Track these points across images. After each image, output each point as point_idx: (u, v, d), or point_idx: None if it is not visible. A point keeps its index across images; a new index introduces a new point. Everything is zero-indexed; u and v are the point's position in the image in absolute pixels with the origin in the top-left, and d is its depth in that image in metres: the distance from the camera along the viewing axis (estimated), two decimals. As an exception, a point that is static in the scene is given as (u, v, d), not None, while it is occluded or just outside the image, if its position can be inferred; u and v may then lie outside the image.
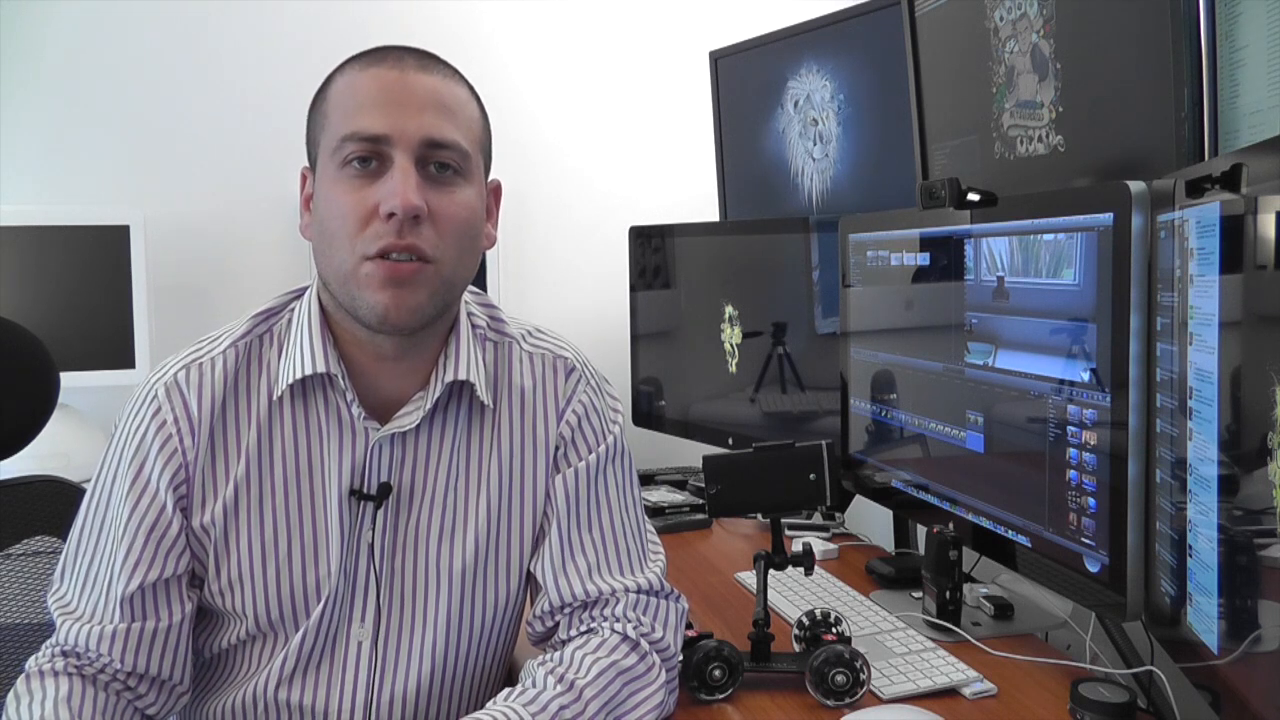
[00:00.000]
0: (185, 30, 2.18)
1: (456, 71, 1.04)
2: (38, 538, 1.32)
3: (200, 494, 1.03)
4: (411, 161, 0.96)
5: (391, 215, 0.95)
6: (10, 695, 0.99)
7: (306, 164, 1.04)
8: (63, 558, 1.05)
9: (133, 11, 2.15)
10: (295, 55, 2.22)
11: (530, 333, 1.15)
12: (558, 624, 1.09)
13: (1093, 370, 1.11)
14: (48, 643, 1.02)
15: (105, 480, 1.04)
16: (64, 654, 1.00)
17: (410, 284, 0.97)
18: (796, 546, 1.29)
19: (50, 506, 1.32)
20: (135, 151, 2.16)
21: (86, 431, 1.95)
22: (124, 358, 1.98)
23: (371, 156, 0.97)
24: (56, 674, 0.98)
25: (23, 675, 1.00)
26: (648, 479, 2.12)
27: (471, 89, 1.05)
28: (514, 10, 2.39)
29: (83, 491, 1.30)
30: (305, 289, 1.10)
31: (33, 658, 1.01)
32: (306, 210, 1.04)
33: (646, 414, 2.23)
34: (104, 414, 1.98)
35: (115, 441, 1.05)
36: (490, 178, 1.09)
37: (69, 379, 1.41)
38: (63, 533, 1.31)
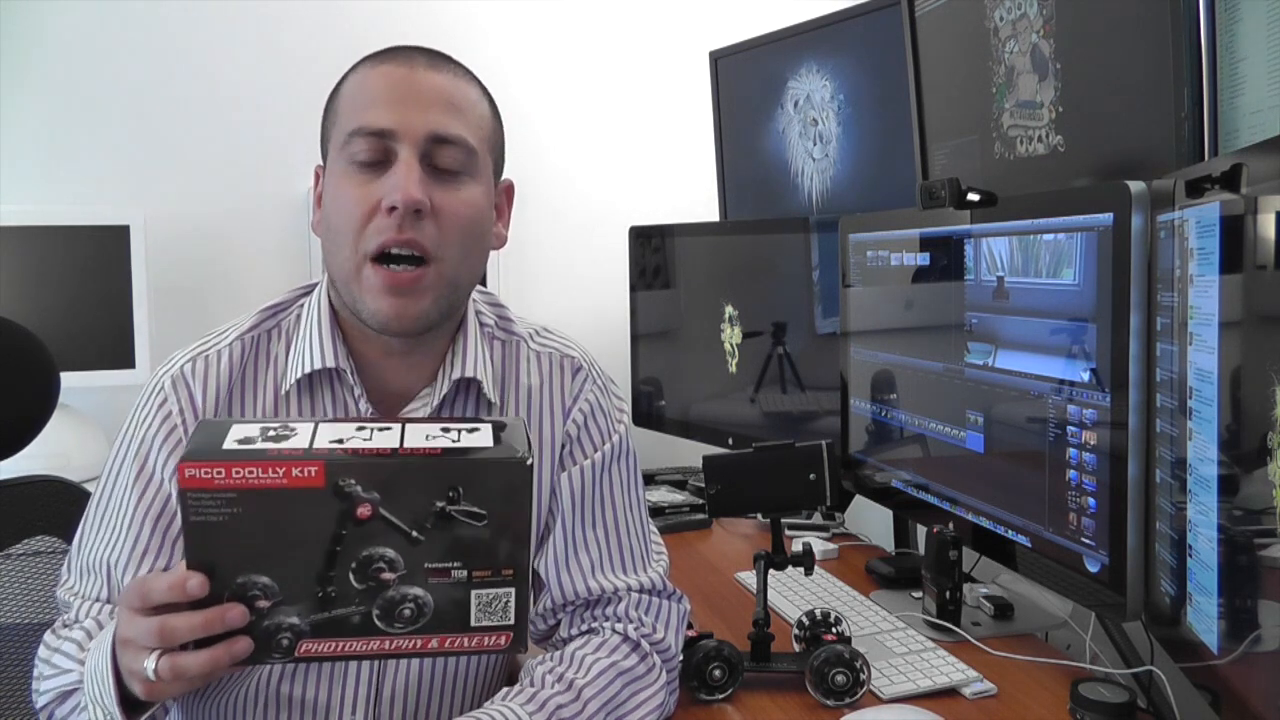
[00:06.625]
0: (185, 31, 2.18)
1: (469, 72, 1.04)
2: (38, 538, 1.32)
3: None
4: (416, 156, 0.96)
5: (393, 209, 0.95)
6: (37, 659, 1.00)
7: (320, 162, 1.05)
8: (71, 551, 1.06)
9: (133, 11, 2.15)
10: (295, 56, 2.22)
11: (538, 332, 1.16)
12: (559, 622, 1.09)
13: (1092, 370, 1.11)
14: (61, 619, 1.03)
15: (112, 472, 1.04)
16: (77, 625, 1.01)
17: (412, 292, 0.97)
18: (796, 546, 1.29)
19: (50, 506, 1.31)
20: (135, 151, 2.16)
21: (86, 431, 1.95)
22: (124, 358, 1.98)
23: (377, 152, 0.97)
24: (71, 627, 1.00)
25: (41, 645, 1.01)
26: (648, 479, 2.12)
27: (484, 89, 1.05)
28: (514, 10, 2.39)
29: (83, 491, 1.31)
30: (315, 285, 1.10)
31: (48, 633, 1.02)
32: (318, 207, 1.04)
33: (647, 414, 2.23)
34: (104, 414, 1.98)
35: (122, 434, 1.05)
36: (502, 178, 1.09)
37: (69, 379, 1.41)
38: (63, 532, 1.31)
